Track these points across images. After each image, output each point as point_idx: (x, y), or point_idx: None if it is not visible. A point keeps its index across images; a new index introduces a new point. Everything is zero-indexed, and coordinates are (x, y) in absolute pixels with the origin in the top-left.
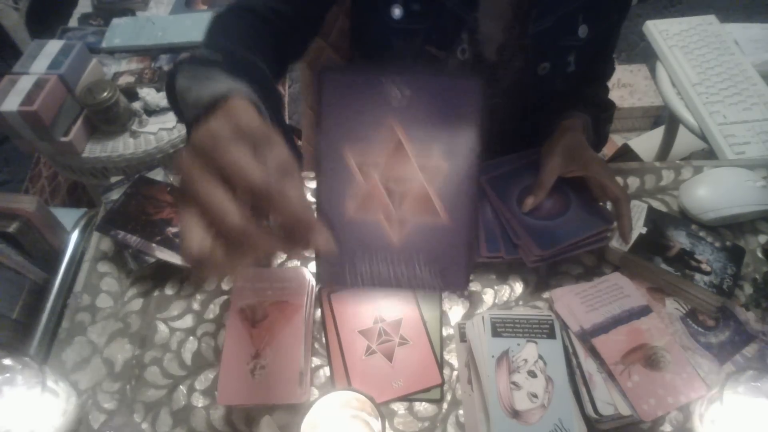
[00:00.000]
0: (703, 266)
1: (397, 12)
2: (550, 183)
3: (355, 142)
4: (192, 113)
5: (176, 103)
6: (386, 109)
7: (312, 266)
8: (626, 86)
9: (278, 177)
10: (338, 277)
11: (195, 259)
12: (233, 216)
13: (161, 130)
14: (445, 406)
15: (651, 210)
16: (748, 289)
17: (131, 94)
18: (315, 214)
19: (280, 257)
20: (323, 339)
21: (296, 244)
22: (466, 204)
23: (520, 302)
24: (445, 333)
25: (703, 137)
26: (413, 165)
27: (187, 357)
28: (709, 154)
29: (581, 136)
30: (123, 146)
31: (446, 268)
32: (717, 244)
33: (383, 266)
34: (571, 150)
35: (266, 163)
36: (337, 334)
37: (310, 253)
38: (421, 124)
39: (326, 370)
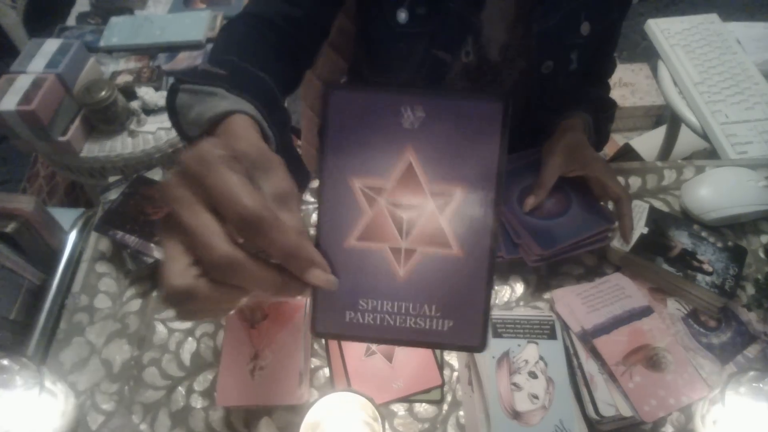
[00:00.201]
0: (705, 266)
1: (402, 16)
2: (550, 183)
3: (361, 165)
4: (193, 132)
5: (177, 121)
6: (397, 131)
7: None
8: (628, 85)
9: (274, 206)
10: (337, 325)
11: (177, 292)
12: (219, 242)
13: (160, 129)
14: (445, 407)
15: (652, 210)
16: (750, 289)
17: (129, 93)
18: (313, 246)
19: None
20: (323, 340)
21: (291, 280)
22: (483, 237)
23: (521, 303)
24: None
25: (705, 137)
26: (424, 190)
27: (186, 358)
28: (711, 153)
29: (582, 136)
30: (121, 146)
31: (459, 320)
32: (719, 245)
33: (388, 306)
34: (572, 149)
35: (262, 189)
36: None
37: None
38: (435, 147)
39: (326, 371)
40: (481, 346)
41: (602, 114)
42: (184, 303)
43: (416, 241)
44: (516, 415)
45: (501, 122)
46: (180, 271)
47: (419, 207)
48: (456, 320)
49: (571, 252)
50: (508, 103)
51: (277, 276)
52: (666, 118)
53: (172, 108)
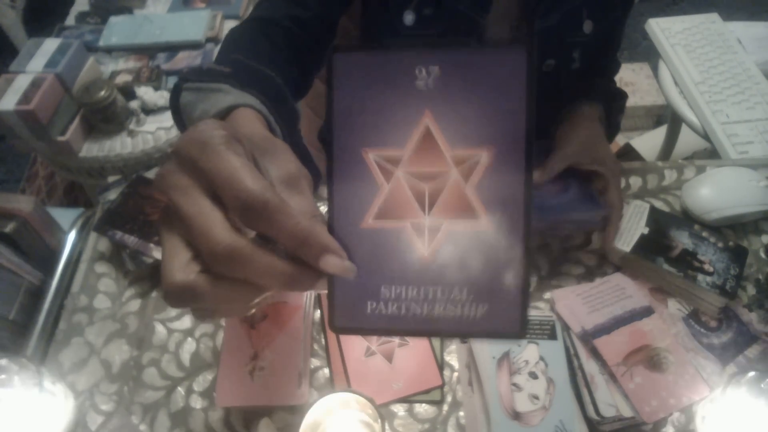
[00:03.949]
0: (706, 267)
1: (409, 18)
2: (557, 168)
3: (374, 134)
4: None
5: (182, 120)
6: (411, 93)
7: None
8: (628, 85)
9: (282, 189)
10: (357, 318)
11: (178, 290)
12: (220, 230)
13: (159, 129)
14: (445, 407)
15: (653, 210)
16: (751, 289)
17: (128, 92)
18: (326, 231)
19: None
20: (322, 340)
21: (304, 270)
22: (516, 205)
23: None
24: None
25: (705, 136)
26: (445, 157)
27: (186, 358)
28: (712, 153)
29: (600, 128)
30: (120, 146)
31: (495, 303)
32: (720, 245)
33: (414, 292)
34: (588, 143)
35: (269, 174)
36: (337, 335)
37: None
38: (454, 108)
39: (325, 372)
40: (520, 333)
41: (613, 104)
42: (186, 302)
43: (441, 214)
44: (516, 415)
45: (526, 72)
46: (180, 266)
47: (441, 176)
48: (491, 304)
49: (559, 228)
50: (532, 50)
51: (288, 266)
52: (667, 117)
53: (175, 108)
